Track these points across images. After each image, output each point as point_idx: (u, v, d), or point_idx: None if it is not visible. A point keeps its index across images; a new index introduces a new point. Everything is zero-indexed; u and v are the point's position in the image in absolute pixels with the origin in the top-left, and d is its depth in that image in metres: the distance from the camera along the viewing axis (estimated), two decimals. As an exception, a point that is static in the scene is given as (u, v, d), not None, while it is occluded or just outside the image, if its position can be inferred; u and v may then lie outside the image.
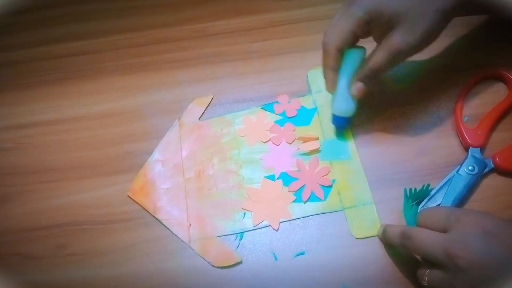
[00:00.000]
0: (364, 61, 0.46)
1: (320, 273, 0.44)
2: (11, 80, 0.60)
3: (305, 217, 0.47)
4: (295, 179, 0.48)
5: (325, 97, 0.52)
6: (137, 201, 0.49)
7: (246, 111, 0.54)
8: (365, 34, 0.46)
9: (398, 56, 0.44)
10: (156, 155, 0.52)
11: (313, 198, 0.47)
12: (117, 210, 0.49)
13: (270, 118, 0.53)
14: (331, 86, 0.48)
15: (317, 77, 0.54)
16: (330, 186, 0.48)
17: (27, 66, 0.61)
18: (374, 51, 0.45)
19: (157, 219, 0.48)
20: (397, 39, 0.43)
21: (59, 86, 0.59)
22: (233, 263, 0.45)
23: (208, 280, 0.45)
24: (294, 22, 0.60)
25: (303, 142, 0.51)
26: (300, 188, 0.48)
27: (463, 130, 0.48)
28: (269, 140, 0.51)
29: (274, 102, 0.54)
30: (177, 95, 0.56)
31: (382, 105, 0.52)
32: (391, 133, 0.50)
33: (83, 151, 0.54)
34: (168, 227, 0.47)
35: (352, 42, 0.45)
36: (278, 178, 0.49)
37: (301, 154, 0.50)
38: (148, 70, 0.59)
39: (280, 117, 0.53)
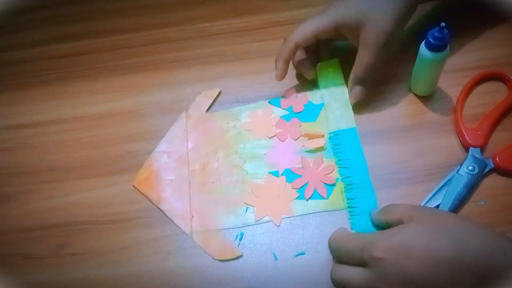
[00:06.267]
0: (353, 66, 0.49)
1: (320, 273, 0.44)
2: (11, 80, 0.60)
3: (307, 214, 0.46)
4: (299, 176, 0.48)
5: (332, 93, 0.52)
6: (142, 191, 0.49)
7: (253, 105, 0.53)
8: (329, 35, 0.50)
9: (382, 46, 0.47)
10: (162, 146, 0.52)
11: (315, 196, 0.47)
12: (117, 210, 0.49)
13: (276, 113, 0.53)
14: (280, 75, 0.51)
15: (325, 71, 0.53)
16: (334, 185, 0.47)
17: (27, 66, 0.61)
18: (359, 53, 0.48)
19: (160, 209, 0.48)
20: (374, 33, 0.47)
21: (59, 86, 0.59)
22: (234, 256, 0.45)
23: (208, 280, 0.45)
24: (294, 22, 0.60)
25: (308, 139, 0.50)
26: (303, 185, 0.48)
27: (463, 130, 0.48)
28: (275, 135, 0.51)
29: (282, 97, 0.53)
30: (177, 95, 0.56)
31: (382, 105, 0.52)
32: (391, 133, 0.50)
33: (83, 151, 0.54)
34: (171, 218, 0.48)
35: (311, 43, 0.50)
36: (282, 175, 0.49)
37: (306, 152, 0.50)
38: (148, 70, 0.59)
39: (286, 112, 0.52)
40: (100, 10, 0.65)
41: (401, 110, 0.51)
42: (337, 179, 0.48)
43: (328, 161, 0.49)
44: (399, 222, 0.38)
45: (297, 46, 0.49)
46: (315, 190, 0.47)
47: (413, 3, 0.48)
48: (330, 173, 0.48)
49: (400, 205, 0.40)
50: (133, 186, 0.50)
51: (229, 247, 0.46)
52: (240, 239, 0.46)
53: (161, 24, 0.62)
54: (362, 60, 0.48)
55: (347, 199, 0.46)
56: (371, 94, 0.52)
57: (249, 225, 0.47)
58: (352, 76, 0.50)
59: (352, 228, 0.45)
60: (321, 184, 0.47)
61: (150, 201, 0.49)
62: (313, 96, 0.53)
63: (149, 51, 0.60)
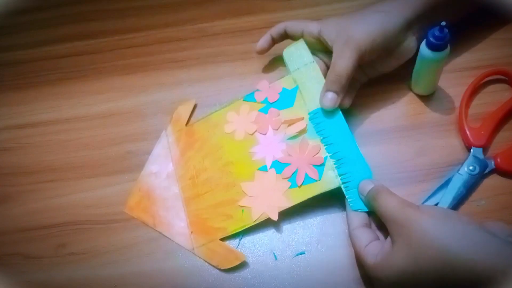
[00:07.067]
0: (329, 70, 0.47)
1: (320, 273, 0.44)
2: (11, 80, 0.60)
3: (303, 201, 0.45)
4: (287, 164, 0.47)
5: (304, 73, 0.50)
6: (136, 216, 0.49)
7: (228, 107, 0.53)
8: (313, 39, 0.51)
9: (363, 53, 0.46)
10: (148, 168, 0.52)
11: (307, 180, 0.46)
12: (117, 210, 0.49)
13: (254, 109, 0.52)
14: (261, 46, 0.53)
15: (293, 55, 0.52)
16: (323, 164, 0.46)
17: (27, 66, 0.61)
18: (337, 56, 0.46)
19: (158, 232, 0.48)
20: (356, 35, 0.46)
21: (59, 86, 0.59)
22: (238, 262, 0.44)
23: (208, 279, 0.45)
24: (294, 22, 0.60)
25: (288, 126, 0.49)
26: (294, 173, 0.46)
27: (467, 130, 0.47)
28: (256, 131, 0.50)
29: (256, 90, 0.53)
30: (177, 95, 0.56)
31: (382, 105, 0.52)
32: (391, 133, 0.50)
33: (83, 151, 0.54)
34: (170, 238, 0.47)
35: (297, 33, 0.52)
36: (270, 168, 0.48)
37: (289, 139, 0.49)
38: (148, 70, 0.59)
39: (263, 105, 0.51)
40: (100, 10, 0.65)
41: (401, 109, 0.51)
42: (325, 158, 0.46)
43: (313, 142, 0.47)
44: (384, 222, 0.39)
45: (284, 27, 0.52)
46: (306, 175, 0.46)
47: (404, 29, 0.47)
48: (317, 153, 0.47)
49: (384, 203, 0.40)
50: (125, 212, 0.49)
51: (232, 254, 0.45)
52: (240, 239, 0.46)
53: (161, 24, 0.62)
54: (341, 64, 0.46)
55: (340, 175, 0.45)
56: (371, 94, 0.52)
57: (249, 227, 0.46)
58: (326, 81, 0.47)
59: (351, 206, 0.43)
60: (311, 167, 0.46)
61: (146, 225, 0.48)
62: (286, 82, 0.52)
63: (149, 51, 0.60)
